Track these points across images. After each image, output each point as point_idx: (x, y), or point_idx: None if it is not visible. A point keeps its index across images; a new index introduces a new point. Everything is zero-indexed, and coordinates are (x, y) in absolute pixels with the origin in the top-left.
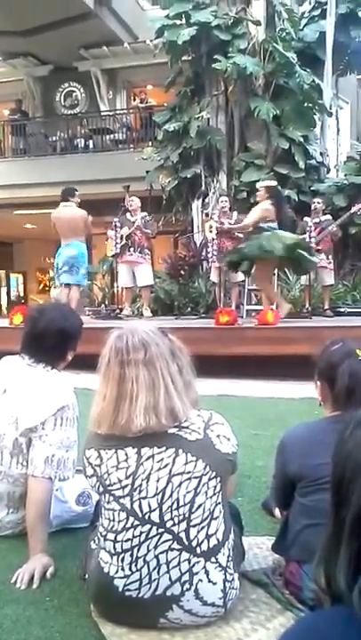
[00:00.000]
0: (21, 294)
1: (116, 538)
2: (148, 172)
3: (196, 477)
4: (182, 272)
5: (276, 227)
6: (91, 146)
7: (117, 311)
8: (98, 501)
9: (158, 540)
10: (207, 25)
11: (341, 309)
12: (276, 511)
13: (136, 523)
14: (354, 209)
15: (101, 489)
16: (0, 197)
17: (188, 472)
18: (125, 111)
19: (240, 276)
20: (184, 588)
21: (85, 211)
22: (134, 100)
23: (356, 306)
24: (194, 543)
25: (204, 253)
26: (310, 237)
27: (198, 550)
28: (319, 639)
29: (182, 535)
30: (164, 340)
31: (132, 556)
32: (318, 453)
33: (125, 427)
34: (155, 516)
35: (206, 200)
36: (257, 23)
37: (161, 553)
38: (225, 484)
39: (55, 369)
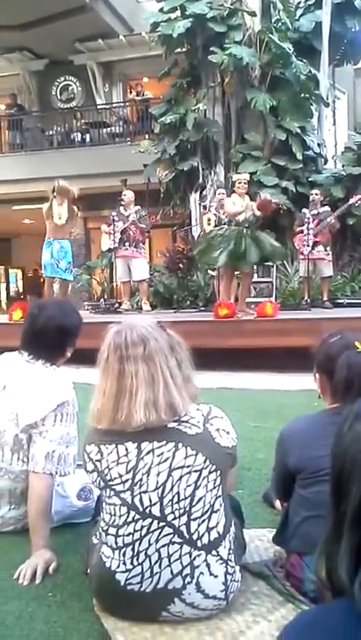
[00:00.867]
0: (20, 290)
1: (117, 532)
2: (145, 165)
3: (196, 471)
4: (181, 265)
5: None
6: (88, 139)
7: (116, 305)
8: (99, 496)
9: (159, 533)
10: (202, 16)
11: (340, 301)
12: (277, 503)
13: (137, 517)
14: (352, 200)
15: (102, 484)
16: None
17: (188, 466)
18: (122, 104)
19: None
20: (185, 582)
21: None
22: (130, 92)
23: (355, 297)
24: (195, 536)
25: None
26: (309, 229)
27: (199, 543)
28: (321, 632)
29: (183, 529)
30: (163, 334)
31: (133, 550)
32: (318, 446)
33: (125, 422)
34: (155, 510)
35: (204, 193)
36: (252, 14)
37: (162, 547)
38: (225, 477)
39: (54, 365)
